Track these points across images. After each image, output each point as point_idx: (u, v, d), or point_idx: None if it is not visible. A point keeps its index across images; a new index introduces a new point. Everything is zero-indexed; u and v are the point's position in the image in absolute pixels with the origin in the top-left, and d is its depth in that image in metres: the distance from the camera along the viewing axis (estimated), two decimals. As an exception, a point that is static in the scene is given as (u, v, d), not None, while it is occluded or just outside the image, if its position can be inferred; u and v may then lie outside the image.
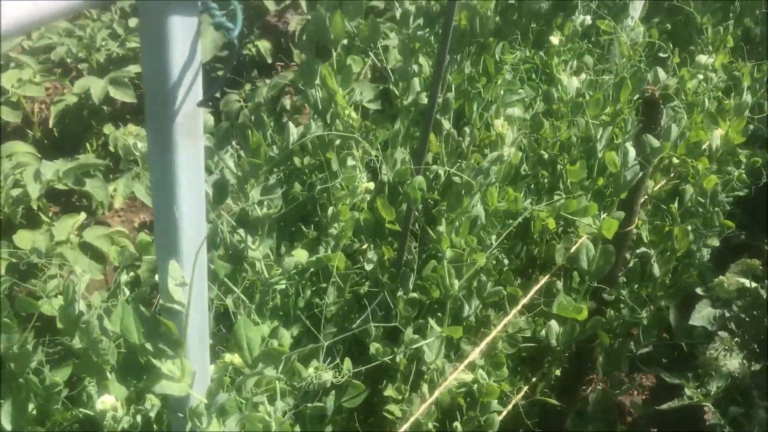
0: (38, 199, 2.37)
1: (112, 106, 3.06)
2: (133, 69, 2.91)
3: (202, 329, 0.95)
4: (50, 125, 2.85)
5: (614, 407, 2.35)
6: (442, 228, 1.36)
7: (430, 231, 1.39)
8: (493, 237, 1.55)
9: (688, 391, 1.89)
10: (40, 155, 2.48)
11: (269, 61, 3.60)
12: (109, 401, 1.18)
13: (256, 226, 1.30)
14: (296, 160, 1.81)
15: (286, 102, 3.33)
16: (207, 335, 0.97)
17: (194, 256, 0.85)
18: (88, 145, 3.06)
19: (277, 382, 1.24)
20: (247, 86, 3.46)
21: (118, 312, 0.86)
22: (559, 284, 1.94)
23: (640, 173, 1.60)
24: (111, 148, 2.81)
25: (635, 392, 2.64)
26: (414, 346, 1.41)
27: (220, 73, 3.59)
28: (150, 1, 0.69)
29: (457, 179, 1.41)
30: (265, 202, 1.25)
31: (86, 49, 3.02)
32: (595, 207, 1.52)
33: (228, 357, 1.06)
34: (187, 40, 0.73)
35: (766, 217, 2.84)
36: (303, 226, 1.78)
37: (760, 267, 1.89)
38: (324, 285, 1.67)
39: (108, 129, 2.89)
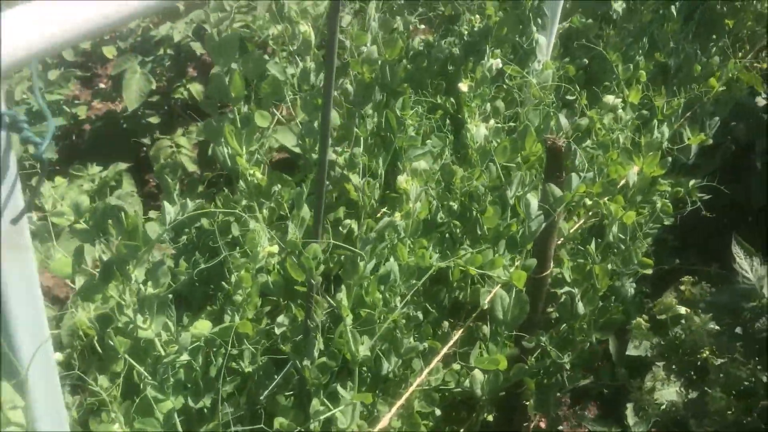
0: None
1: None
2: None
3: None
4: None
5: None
6: (341, 295, 1.33)
7: (329, 299, 1.35)
8: (402, 295, 1.52)
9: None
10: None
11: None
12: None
13: (143, 306, 1.25)
14: (204, 222, 1.77)
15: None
16: (68, 442, 0.92)
17: (36, 369, 0.80)
18: None
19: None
20: (179, 131, 3.41)
21: (-43, 433, 0.80)
22: (486, 329, 1.92)
23: (549, 221, 1.60)
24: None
25: (578, 425, 2.62)
26: (321, 417, 1.37)
27: (152, 119, 3.53)
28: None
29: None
30: (150, 282, 1.21)
31: None
32: (501, 260, 1.50)
33: (100, 458, 1.01)
34: (-5, 156, 0.69)
35: (697, 242, 2.88)
36: (225, 283, 1.73)
37: (677, 304, 1.89)
38: (237, 351, 1.63)
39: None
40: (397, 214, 1.35)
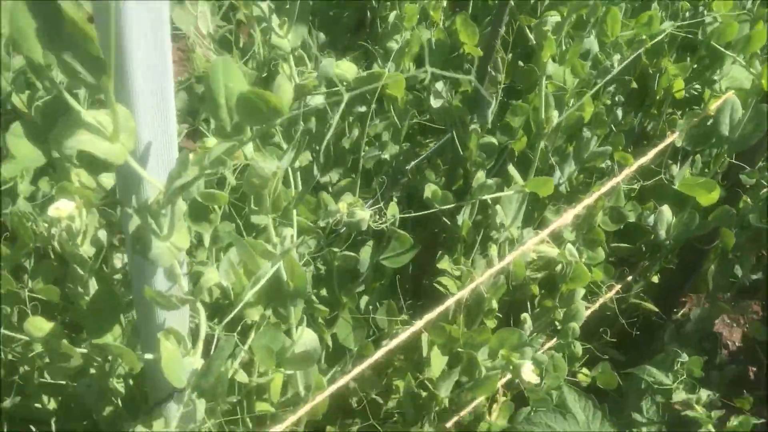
0: None
1: None
2: None
3: (161, 69, 0.60)
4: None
5: (713, 333, 1.95)
6: (547, 27, 0.95)
7: (528, 32, 0.99)
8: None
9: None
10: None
11: None
12: (65, 208, 0.88)
13: (281, 11, 0.94)
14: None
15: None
16: (170, 88, 0.62)
17: None
18: None
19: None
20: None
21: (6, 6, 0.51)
22: (675, 168, 1.52)
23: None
24: None
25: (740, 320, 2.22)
26: (485, 196, 1.04)
27: None
28: None
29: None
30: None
31: None
32: (764, 36, 1.08)
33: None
34: None
35: None
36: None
37: None
38: (377, 122, 1.31)
39: None
40: None
